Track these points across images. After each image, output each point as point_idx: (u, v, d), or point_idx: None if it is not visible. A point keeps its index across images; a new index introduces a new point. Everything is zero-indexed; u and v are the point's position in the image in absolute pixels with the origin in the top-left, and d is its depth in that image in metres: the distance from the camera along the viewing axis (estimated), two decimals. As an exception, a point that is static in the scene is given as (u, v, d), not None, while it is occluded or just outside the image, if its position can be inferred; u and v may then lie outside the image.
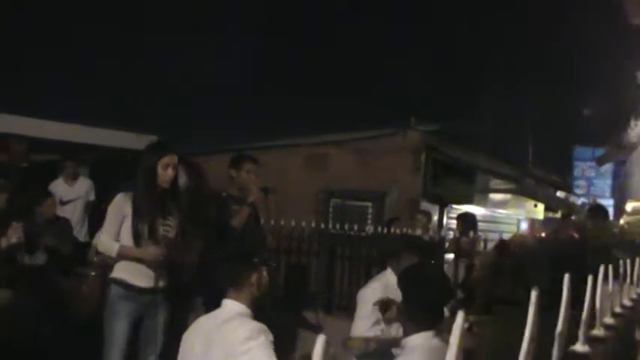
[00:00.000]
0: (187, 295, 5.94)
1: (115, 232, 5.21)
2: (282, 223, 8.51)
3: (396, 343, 4.32)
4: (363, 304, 5.37)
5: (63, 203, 8.69)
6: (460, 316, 1.56)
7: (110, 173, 5.50)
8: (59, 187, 8.80)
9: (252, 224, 6.56)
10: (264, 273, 4.07)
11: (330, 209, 11.59)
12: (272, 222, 7.84)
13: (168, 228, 5.29)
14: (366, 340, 5.11)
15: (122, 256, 5.17)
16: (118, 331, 5.11)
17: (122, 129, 11.77)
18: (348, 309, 8.47)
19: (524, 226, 17.18)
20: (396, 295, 5.35)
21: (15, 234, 4.53)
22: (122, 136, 11.42)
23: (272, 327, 3.98)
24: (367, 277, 8.29)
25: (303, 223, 8.71)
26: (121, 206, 5.22)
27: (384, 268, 5.77)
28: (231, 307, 3.94)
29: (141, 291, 5.20)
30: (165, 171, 5.26)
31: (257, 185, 6.49)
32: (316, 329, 8.11)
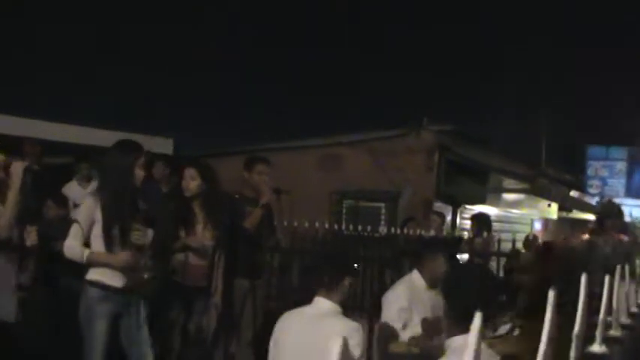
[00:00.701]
0: (203, 297, 5.95)
1: (84, 237, 4.98)
2: (296, 224, 8.48)
3: (438, 346, 4.32)
4: (389, 307, 5.29)
5: (77, 206, 8.69)
6: (478, 317, 1.54)
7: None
8: (73, 190, 8.79)
9: (265, 226, 6.56)
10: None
11: (344, 210, 11.57)
12: (285, 223, 7.81)
13: (139, 234, 5.10)
14: (409, 343, 5.04)
15: (91, 262, 4.97)
16: (98, 333, 4.96)
17: (135, 131, 11.78)
18: (361, 310, 8.45)
19: (537, 226, 17.14)
20: (423, 297, 5.31)
21: (29, 238, 4.52)
22: (134, 138, 11.42)
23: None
24: (381, 277, 8.28)
25: (317, 224, 8.68)
26: (91, 211, 5.00)
27: (401, 269, 5.78)
28: (323, 304, 4.25)
29: (117, 291, 5.03)
30: (141, 171, 5.10)
31: (269, 186, 6.48)
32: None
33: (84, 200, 5.25)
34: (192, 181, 5.86)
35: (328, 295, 4.26)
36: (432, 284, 5.32)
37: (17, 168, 4.43)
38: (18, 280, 4.65)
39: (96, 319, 5.00)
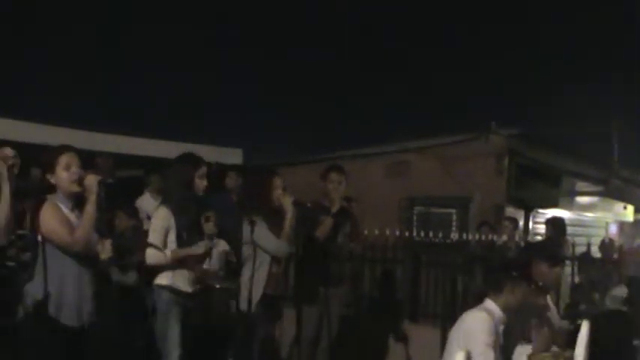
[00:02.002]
0: (275, 305, 5.97)
1: (162, 244, 5.35)
2: (366, 232, 8.44)
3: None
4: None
5: (150, 217, 8.79)
6: (585, 325, 1.48)
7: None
8: (146, 202, 8.89)
9: (336, 234, 6.56)
10: (521, 287, 4.65)
11: (414, 217, 11.48)
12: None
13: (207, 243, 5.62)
14: (554, 356, 4.87)
15: (176, 258, 5.33)
16: (174, 334, 5.30)
17: (206, 143, 11.90)
18: (434, 317, 8.36)
19: (613, 229, 16.74)
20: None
21: (104, 250, 4.58)
22: (205, 149, 11.54)
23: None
24: (453, 285, 8.18)
25: (387, 232, 8.62)
26: (166, 219, 5.38)
27: (473, 275, 5.65)
28: (489, 305, 4.61)
29: (187, 296, 5.40)
30: (202, 181, 5.47)
31: (340, 195, 6.47)
32: (402, 338, 8.04)
33: (156, 211, 5.55)
34: (277, 191, 5.91)
35: (495, 299, 4.61)
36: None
37: (92, 181, 4.51)
38: (94, 289, 4.74)
39: (171, 323, 5.22)
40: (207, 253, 5.53)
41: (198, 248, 5.41)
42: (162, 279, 5.41)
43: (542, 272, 5.20)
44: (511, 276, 4.71)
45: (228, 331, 6.05)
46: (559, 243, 8.59)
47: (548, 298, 5.44)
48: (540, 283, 5.11)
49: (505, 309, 4.65)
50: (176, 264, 5.37)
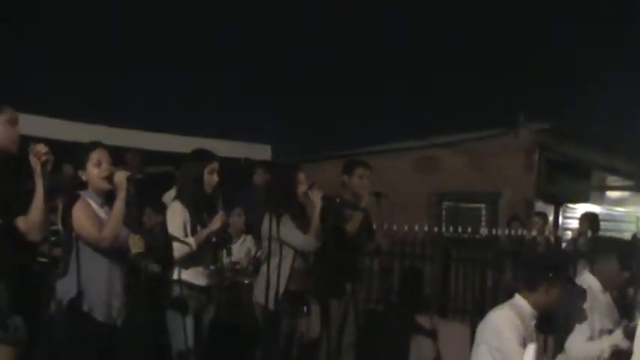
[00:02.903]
0: (301, 301, 5.99)
1: (183, 235, 5.36)
2: (395, 227, 8.43)
3: None
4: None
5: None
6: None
7: (223, 183, 5.60)
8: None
9: (364, 229, 6.56)
10: (557, 288, 4.50)
11: (443, 212, 11.45)
12: (385, 226, 7.78)
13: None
14: None
15: (200, 241, 5.35)
16: (184, 332, 5.30)
17: (233, 139, 11.95)
18: (463, 313, 8.35)
19: (645, 224, 16.56)
20: (600, 301, 5.04)
21: (136, 246, 4.63)
22: (233, 145, 11.60)
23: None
24: (482, 280, 8.15)
25: (416, 227, 8.61)
26: (182, 213, 5.41)
27: (503, 271, 5.58)
28: (518, 301, 4.51)
29: (200, 289, 5.42)
30: (211, 176, 5.47)
31: (368, 190, 6.46)
32: (431, 334, 8.03)
33: (170, 205, 5.59)
34: (304, 185, 5.92)
35: (526, 296, 4.50)
36: (606, 287, 5.09)
37: (121, 177, 4.56)
38: (124, 284, 4.79)
39: (181, 316, 5.27)
40: (225, 225, 5.52)
41: (214, 224, 5.41)
42: (177, 273, 5.42)
43: (611, 270, 5.03)
44: (547, 277, 4.55)
45: (255, 327, 6.06)
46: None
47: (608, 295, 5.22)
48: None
49: (536, 306, 4.55)
50: (201, 251, 5.39)
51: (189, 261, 5.37)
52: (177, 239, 5.33)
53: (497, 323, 4.51)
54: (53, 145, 4.35)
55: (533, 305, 4.55)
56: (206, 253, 5.44)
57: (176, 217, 5.41)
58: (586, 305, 4.82)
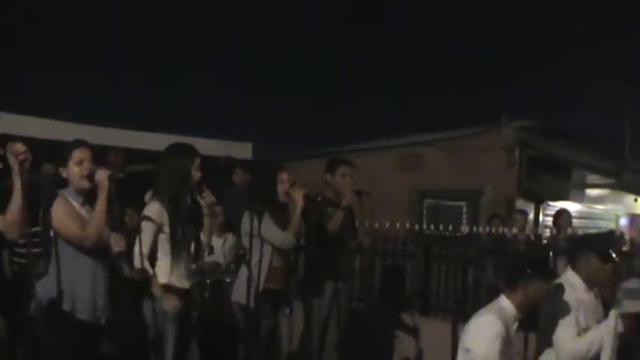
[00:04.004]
0: (281, 301, 6.00)
1: (152, 244, 5.11)
2: (377, 225, 8.44)
3: None
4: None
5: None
6: (613, 315, 1.47)
7: (205, 181, 5.53)
8: (154, 196, 8.92)
9: (346, 228, 6.56)
10: (541, 285, 4.45)
11: (424, 210, 11.49)
12: (367, 224, 7.79)
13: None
14: None
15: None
16: (168, 329, 5.17)
17: (214, 137, 11.93)
18: (444, 310, 8.37)
19: (623, 222, 16.68)
20: (583, 299, 5.04)
21: (117, 245, 4.61)
22: (215, 144, 11.58)
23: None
24: (463, 278, 8.17)
25: (398, 225, 8.62)
26: (159, 215, 5.13)
27: (484, 269, 5.57)
28: (503, 302, 4.45)
29: (183, 292, 5.23)
30: (197, 173, 5.23)
31: (351, 188, 6.46)
32: (413, 332, 8.04)
33: (147, 206, 5.29)
34: (284, 185, 5.91)
35: (510, 296, 4.44)
36: (590, 284, 5.04)
37: (102, 176, 4.53)
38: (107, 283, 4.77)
39: (162, 315, 5.16)
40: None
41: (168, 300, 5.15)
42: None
43: (592, 268, 4.99)
44: (525, 273, 4.50)
45: (236, 326, 6.05)
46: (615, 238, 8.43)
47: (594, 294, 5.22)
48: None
49: (520, 307, 4.52)
50: (178, 254, 5.17)
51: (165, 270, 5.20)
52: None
53: (482, 331, 4.43)
54: (32, 143, 4.33)
55: (518, 306, 4.50)
56: (183, 253, 5.31)
57: (150, 224, 5.11)
58: (571, 302, 4.82)
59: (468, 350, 4.40)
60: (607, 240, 5.28)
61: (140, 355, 5.91)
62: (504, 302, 4.51)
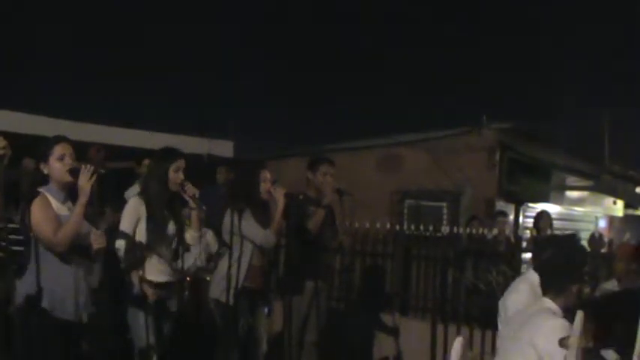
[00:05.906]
0: (260, 300, 6.02)
1: (131, 231, 5.30)
2: (357, 224, 8.46)
3: None
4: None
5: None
6: (580, 315, 1.48)
7: (185, 179, 5.56)
8: (134, 193, 8.88)
9: (327, 226, 6.56)
10: (583, 288, 4.38)
11: (405, 210, 11.51)
12: (347, 224, 7.80)
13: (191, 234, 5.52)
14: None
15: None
16: (144, 328, 5.21)
17: (195, 135, 11.91)
18: (424, 310, 8.39)
19: (602, 224, 16.80)
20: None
21: (97, 241, 4.59)
22: (195, 141, 11.56)
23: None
24: (443, 278, 8.19)
25: (378, 225, 8.64)
26: (137, 208, 5.34)
27: (464, 269, 5.57)
28: (547, 304, 4.31)
29: (158, 286, 5.32)
30: (177, 174, 5.39)
31: (332, 187, 6.47)
32: (392, 331, 8.06)
33: (129, 200, 5.54)
34: (266, 184, 5.93)
35: (554, 298, 4.34)
36: None
37: (84, 181, 4.51)
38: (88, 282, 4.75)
39: (140, 313, 5.19)
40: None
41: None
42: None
43: None
44: (572, 277, 4.42)
45: (213, 323, 6.05)
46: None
47: None
48: None
49: (565, 310, 4.44)
50: (158, 249, 5.33)
51: (140, 259, 5.29)
52: (124, 235, 5.26)
53: (554, 332, 4.10)
54: (12, 138, 4.30)
55: (563, 309, 4.35)
56: (163, 251, 5.37)
57: (129, 214, 5.35)
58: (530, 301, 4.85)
59: (533, 348, 4.28)
60: (571, 240, 5.31)
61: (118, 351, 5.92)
62: (551, 305, 4.35)
